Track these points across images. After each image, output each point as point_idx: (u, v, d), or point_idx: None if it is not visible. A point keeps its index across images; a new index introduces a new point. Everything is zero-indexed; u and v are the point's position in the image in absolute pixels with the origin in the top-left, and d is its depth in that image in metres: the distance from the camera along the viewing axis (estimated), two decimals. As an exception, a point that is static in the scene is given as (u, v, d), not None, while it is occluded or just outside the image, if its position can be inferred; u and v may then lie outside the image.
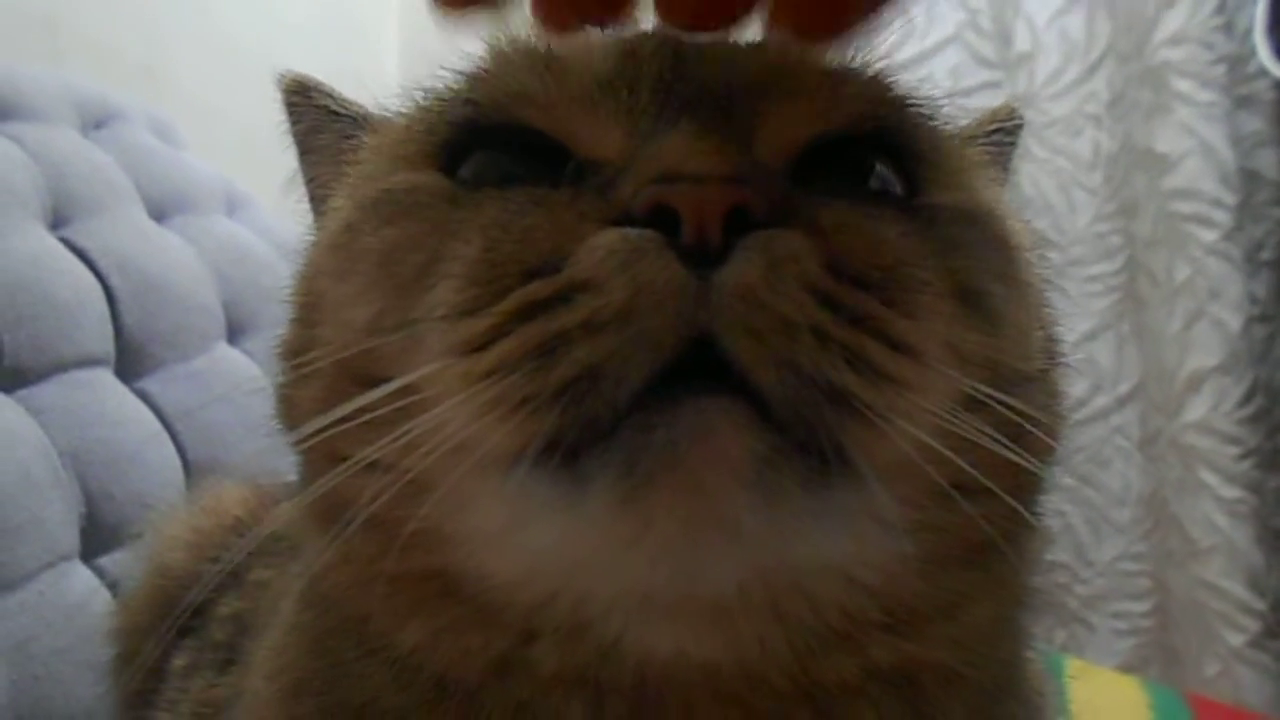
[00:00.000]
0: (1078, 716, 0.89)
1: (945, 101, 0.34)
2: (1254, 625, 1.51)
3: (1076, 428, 1.64)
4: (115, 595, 0.77)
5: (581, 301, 0.24)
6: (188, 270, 1.04)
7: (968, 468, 0.25)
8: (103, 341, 0.92)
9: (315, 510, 0.30)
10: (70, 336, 0.87)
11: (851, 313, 0.24)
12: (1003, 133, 0.41)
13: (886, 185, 0.29)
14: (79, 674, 0.74)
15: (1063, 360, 0.33)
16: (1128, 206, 1.67)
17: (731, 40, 0.28)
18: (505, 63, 0.30)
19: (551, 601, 0.27)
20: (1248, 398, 1.56)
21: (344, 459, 0.27)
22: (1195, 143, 1.56)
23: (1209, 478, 1.56)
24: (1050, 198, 1.70)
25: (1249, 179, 1.62)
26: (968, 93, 1.69)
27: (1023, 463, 0.26)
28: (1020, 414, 0.27)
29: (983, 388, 0.26)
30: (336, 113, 0.39)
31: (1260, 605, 1.52)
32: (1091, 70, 1.66)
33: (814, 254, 0.24)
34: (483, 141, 0.29)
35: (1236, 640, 1.52)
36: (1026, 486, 0.28)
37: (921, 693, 0.29)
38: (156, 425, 0.94)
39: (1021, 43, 1.66)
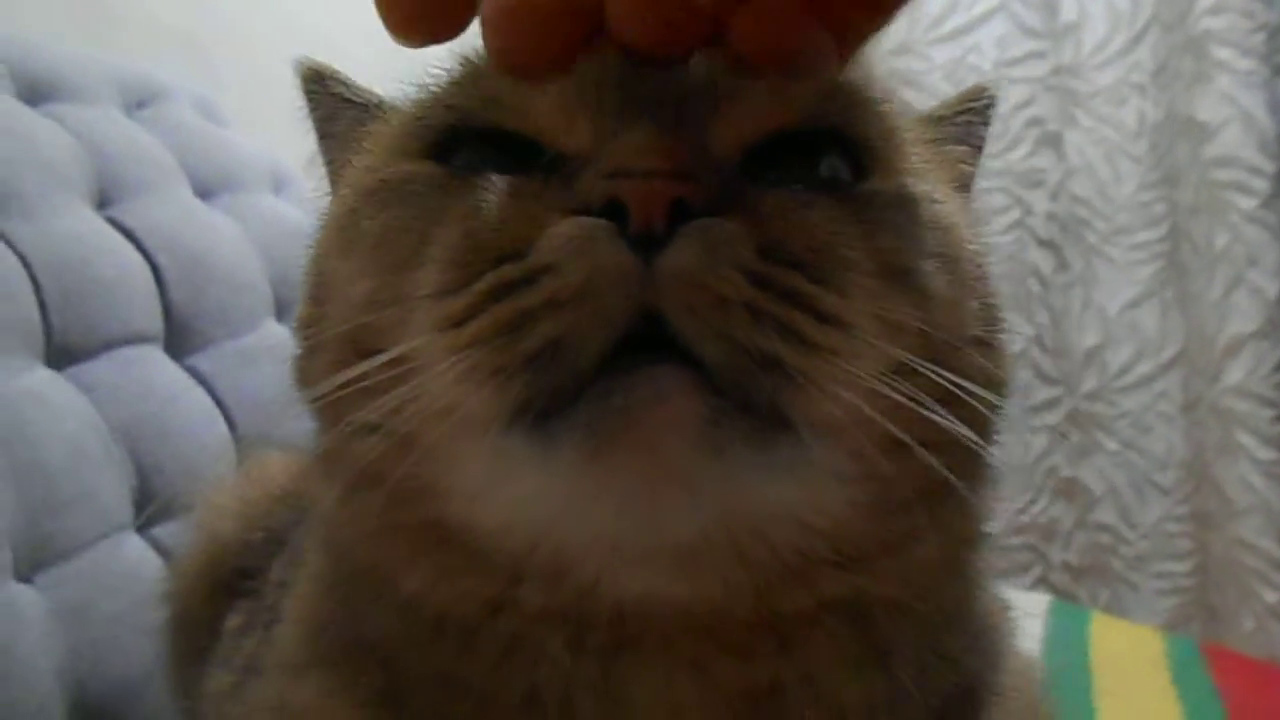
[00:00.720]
0: (1099, 666, 0.91)
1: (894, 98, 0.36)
2: (1288, 582, 1.53)
3: (1122, 394, 1.66)
4: (167, 564, 0.81)
5: (544, 283, 0.27)
6: (234, 248, 1.06)
7: (894, 429, 0.28)
8: (152, 319, 0.95)
9: (325, 467, 0.34)
10: (119, 315, 0.90)
11: (782, 290, 0.27)
12: (972, 113, 0.43)
13: (836, 172, 0.32)
14: (134, 638, 0.77)
15: (1002, 328, 0.35)
16: (1171, 175, 1.67)
17: None
18: (480, 67, 0.34)
19: (533, 549, 0.31)
20: (1284, 362, 1.56)
21: (348, 420, 0.31)
22: (1235, 111, 1.56)
23: (1246, 440, 1.57)
24: (1096, 167, 1.70)
25: (1287, 145, 1.61)
26: (1013, 62, 1.69)
27: (947, 422, 0.28)
28: (955, 378, 0.29)
29: (909, 356, 0.29)
30: (350, 100, 0.42)
31: (1294, 561, 1.53)
32: (1136, 40, 1.65)
33: (748, 239, 0.27)
34: (466, 141, 0.33)
35: (1272, 597, 1.54)
36: (966, 445, 0.30)
37: (872, 622, 0.33)
38: (207, 400, 0.97)
39: (1068, 13, 1.66)
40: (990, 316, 0.35)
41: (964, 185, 0.41)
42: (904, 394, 0.28)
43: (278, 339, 1.06)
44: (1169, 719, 0.82)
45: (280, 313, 1.09)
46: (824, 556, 0.31)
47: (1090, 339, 1.70)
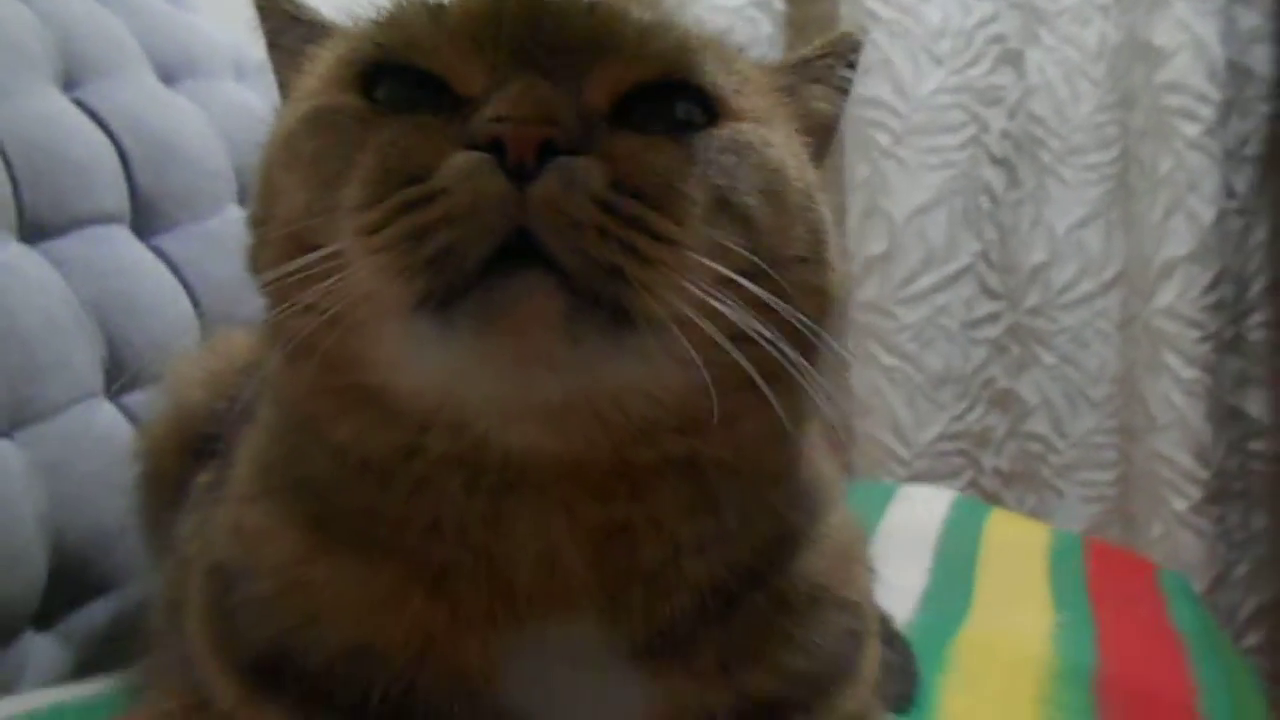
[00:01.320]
0: (986, 552, 1.00)
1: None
2: (1196, 493, 1.63)
3: (1063, 310, 1.73)
4: (138, 427, 0.88)
5: (440, 202, 0.34)
6: (198, 133, 1.10)
7: (720, 328, 0.35)
8: (118, 199, 0.99)
9: (272, 337, 0.41)
10: (87, 194, 0.94)
11: (627, 215, 0.35)
12: (834, 56, 0.49)
13: (690, 116, 0.39)
14: (109, 494, 0.85)
15: (830, 248, 0.42)
16: (1126, 98, 1.70)
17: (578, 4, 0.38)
18: (403, 12, 0.40)
19: (436, 408, 0.38)
20: (1213, 285, 1.63)
21: (291, 301, 0.38)
22: (1188, 37, 1.59)
23: (1172, 359, 1.64)
24: (1056, 86, 1.73)
25: (1240, 74, 1.65)
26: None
27: (758, 330, 0.36)
28: (773, 291, 0.37)
29: (733, 272, 0.36)
30: (297, 19, 0.48)
31: (1204, 474, 1.62)
32: (1101, -42, 1.67)
33: (601, 174, 0.35)
34: (389, 74, 0.40)
35: (1180, 505, 1.63)
36: (795, 341, 0.37)
37: (705, 477, 0.41)
38: (172, 280, 1.02)
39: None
40: (816, 239, 0.42)
41: (822, 123, 0.48)
42: (729, 300, 0.35)
43: (239, 223, 1.10)
44: (1037, 597, 0.91)
45: (243, 198, 1.14)
46: (666, 423, 0.39)
47: (1037, 256, 1.75)
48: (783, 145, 0.42)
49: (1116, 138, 1.71)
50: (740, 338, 0.36)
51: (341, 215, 0.36)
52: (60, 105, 0.96)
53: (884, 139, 1.72)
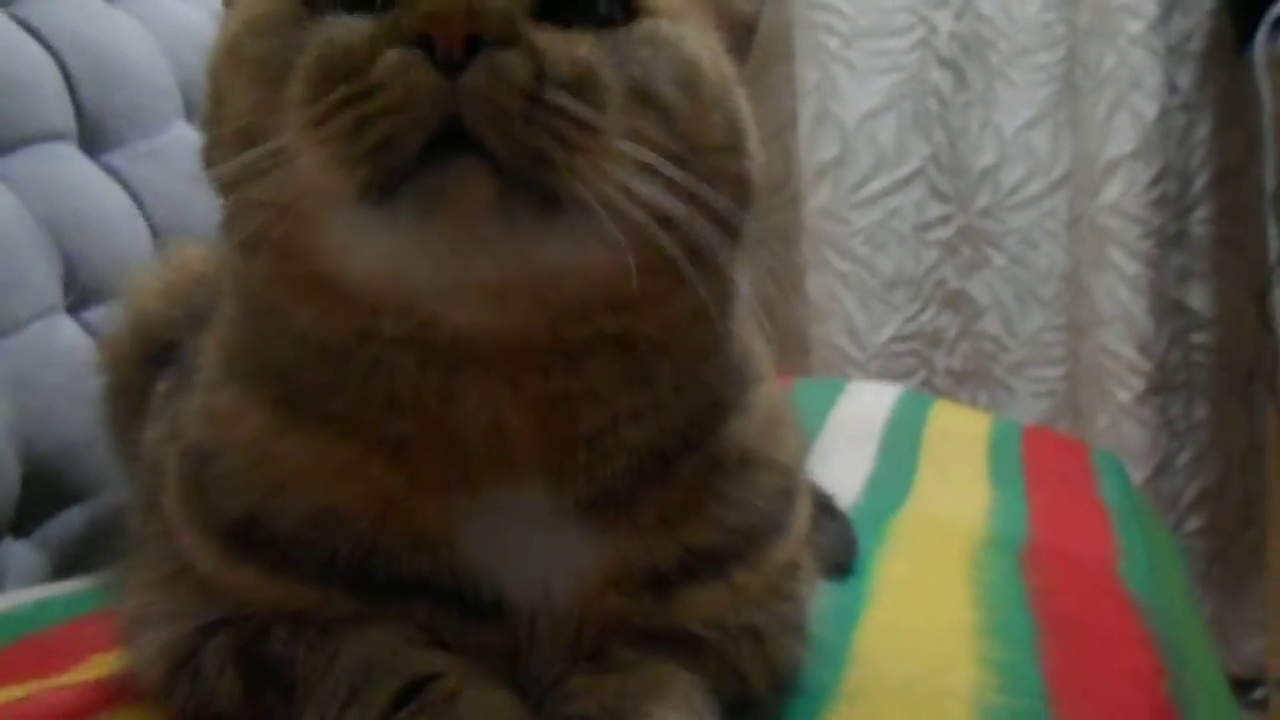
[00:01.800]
0: (929, 440, 1.05)
1: None
2: (1140, 384, 1.69)
3: (1012, 211, 1.77)
4: (100, 338, 0.89)
5: (377, 96, 0.36)
6: (140, 49, 1.09)
7: (640, 216, 0.38)
8: (64, 117, 0.99)
9: (228, 230, 0.43)
10: (32, 112, 0.94)
11: (551, 105, 0.37)
12: None
13: (611, 12, 0.41)
14: (73, 404, 0.87)
15: (747, 137, 0.45)
16: (1072, -5, 1.72)
17: None
18: None
19: (386, 292, 0.41)
20: (1156, 181, 1.67)
21: (243, 195, 0.40)
22: (1132, -64, 1.61)
23: (1116, 255, 1.68)
24: (1004, -17, 1.75)
25: (1182, -30, 1.67)
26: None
27: (676, 210, 0.38)
28: (693, 175, 0.39)
29: (653, 157, 0.38)
30: None
31: (1147, 366, 1.69)
32: None
33: (526, 65, 0.37)
34: None
35: (1124, 397, 1.70)
36: (716, 223, 0.40)
37: (638, 352, 0.44)
38: (124, 196, 1.03)
39: None
40: (734, 128, 0.44)
41: (742, 20, 0.50)
42: (651, 184, 0.38)
43: (187, 139, 1.11)
44: (975, 477, 0.96)
45: (189, 114, 1.14)
46: (597, 302, 0.41)
47: (986, 158, 1.77)
48: (697, 39, 0.44)
49: (1063, 37, 1.73)
50: (663, 221, 0.38)
51: (286, 112, 0.38)
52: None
53: (833, 43, 1.73)
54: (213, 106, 0.44)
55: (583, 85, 0.38)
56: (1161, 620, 0.66)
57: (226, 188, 0.42)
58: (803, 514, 0.51)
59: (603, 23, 0.41)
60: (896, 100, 1.75)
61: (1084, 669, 0.57)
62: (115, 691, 0.48)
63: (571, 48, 0.38)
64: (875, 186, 1.76)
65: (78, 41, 1.01)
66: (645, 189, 0.38)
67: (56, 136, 0.98)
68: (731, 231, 0.42)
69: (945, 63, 1.75)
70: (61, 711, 0.48)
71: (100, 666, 0.53)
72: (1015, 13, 1.74)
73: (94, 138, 1.02)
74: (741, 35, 0.49)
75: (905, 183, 1.77)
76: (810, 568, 0.52)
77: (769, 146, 1.84)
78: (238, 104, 0.41)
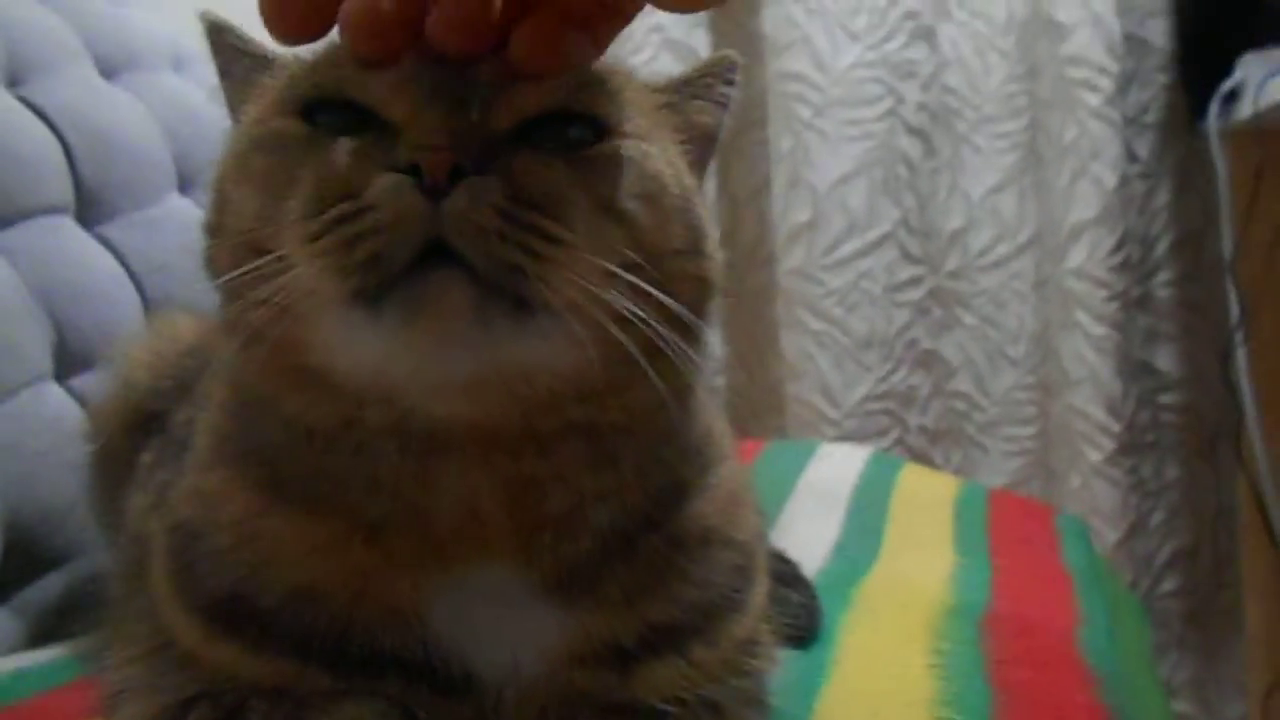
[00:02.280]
0: (896, 503, 1.08)
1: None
2: (1109, 444, 1.72)
3: (981, 273, 1.81)
4: (88, 406, 0.92)
5: (369, 216, 0.40)
6: (138, 125, 1.13)
7: (603, 319, 0.42)
8: (63, 191, 1.03)
9: (229, 328, 0.47)
10: (33, 187, 0.98)
11: (524, 222, 0.41)
12: (712, 76, 0.55)
13: (582, 136, 0.46)
14: (59, 472, 0.89)
15: (708, 242, 0.49)
16: (1033, 69, 1.78)
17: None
18: (338, 55, 0.46)
19: (370, 385, 0.44)
20: (1118, 247, 1.72)
21: (250, 302, 0.43)
22: (1087, 13, 1.68)
23: (1082, 317, 1.72)
24: (967, 60, 1.80)
25: (1138, 46, 1.74)
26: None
27: (638, 314, 0.42)
28: (652, 281, 0.43)
29: (616, 267, 0.42)
30: (245, 51, 0.54)
31: (1116, 427, 1.72)
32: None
33: (501, 189, 0.41)
34: (327, 103, 0.46)
35: (1095, 457, 1.72)
36: (675, 322, 0.44)
37: (604, 438, 0.47)
38: (116, 266, 1.06)
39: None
40: (694, 234, 0.48)
41: (704, 133, 0.54)
42: (614, 289, 0.42)
43: (180, 210, 1.14)
44: (940, 542, 0.99)
45: (183, 186, 1.17)
46: (565, 394, 0.45)
47: (954, 222, 1.82)
48: (660, 156, 0.48)
49: (1025, 107, 1.79)
50: (624, 321, 0.42)
51: (287, 225, 0.42)
52: (6, 103, 1.00)
53: (805, 112, 1.79)
54: (216, 214, 0.48)
55: (553, 204, 0.42)
56: (1116, 690, 0.69)
57: (229, 291, 0.46)
58: (761, 591, 0.54)
59: (574, 146, 0.45)
60: (867, 166, 1.80)
61: (1036, 738, 0.59)
62: (96, 765, 0.50)
63: (544, 171, 0.43)
64: (847, 249, 1.81)
65: (79, 119, 1.05)
66: (608, 294, 0.42)
67: (54, 210, 1.02)
68: (688, 328, 0.45)
69: (914, 131, 1.80)
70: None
71: (78, 739, 0.54)
72: (979, 84, 1.80)
73: (90, 210, 1.06)
74: (703, 146, 0.53)
75: (876, 245, 1.81)
76: (769, 643, 0.55)
77: (744, 210, 1.93)
78: (242, 213, 0.46)
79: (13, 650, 0.85)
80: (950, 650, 0.71)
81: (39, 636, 0.88)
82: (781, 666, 0.57)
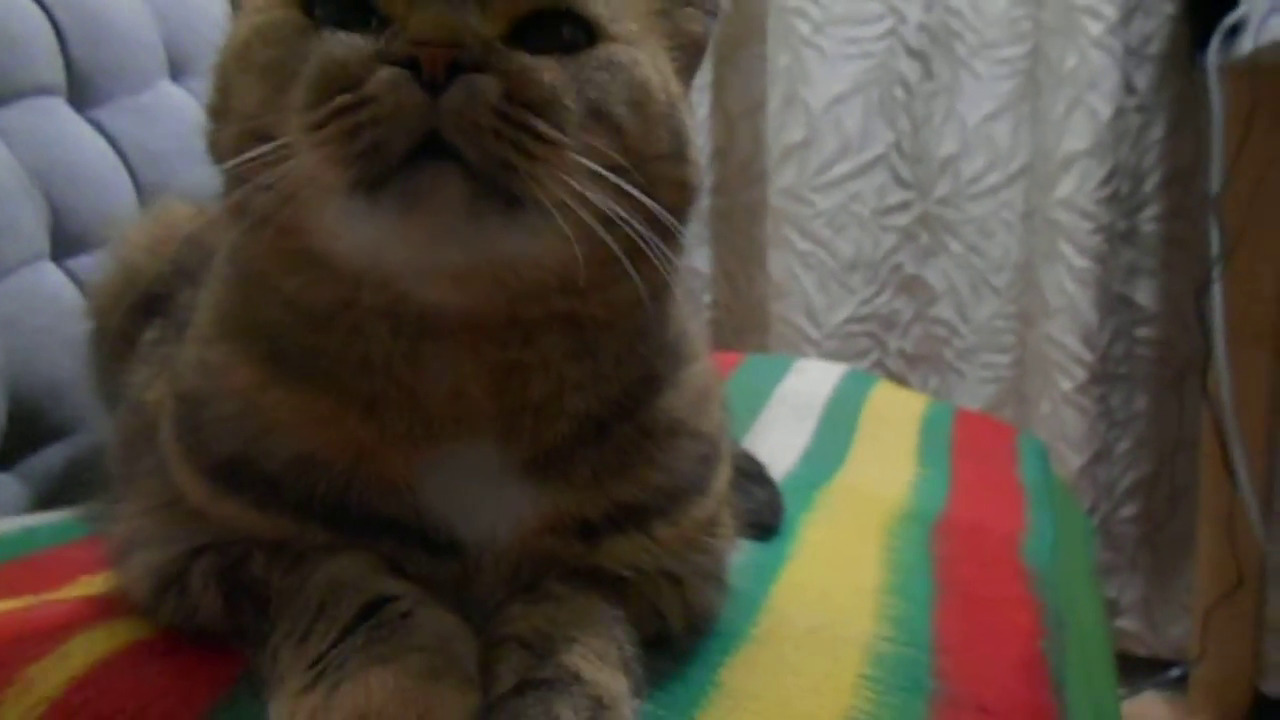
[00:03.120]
0: (865, 418, 1.12)
1: None
2: (1081, 374, 1.75)
3: (971, 201, 1.82)
4: (87, 286, 0.94)
5: (369, 108, 0.42)
6: (129, 8, 1.13)
7: (589, 218, 0.44)
8: (55, 72, 1.03)
9: (234, 212, 0.49)
10: (25, 66, 0.98)
11: (517, 121, 0.43)
12: None
13: (574, 38, 0.47)
14: (59, 348, 0.92)
15: (691, 147, 0.51)
16: (1040, -8, 1.76)
17: None
18: None
19: (367, 269, 0.47)
20: (1108, 179, 1.73)
21: (248, 182, 0.46)
22: (1096, -61, 1.66)
23: (1065, 249, 1.74)
24: (973, -21, 1.79)
25: (1144, -26, 1.72)
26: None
27: (621, 215, 0.44)
28: (636, 182, 0.46)
29: (602, 167, 0.44)
30: None
31: (1089, 358, 1.75)
32: None
33: (497, 88, 0.43)
34: None
35: (1066, 385, 1.76)
36: (656, 223, 0.46)
37: (584, 329, 0.50)
38: (110, 151, 1.07)
39: None
40: (678, 140, 0.50)
41: (693, 40, 0.55)
42: (599, 190, 0.44)
43: (173, 97, 1.15)
44: (904, 454, 1.03)
45: (174, 73, 1.17)
46: (550, 286, 0.48)
47: (948, 147, 1.82)
48: (649, 63, 0.50)
49: (1028, 33, 1.77)
50: (608, 221, 0.45)
51: (289, 114, 0.44)
52: (-4, -20, 0.99)
53: (804, 28, 1.78)
54: (219, 98, 0.50)
55: (546, 105, 0.44)
56: (1050, 589, 0.74)
57: (234, 176, 0.48)
58: (722, 478, 0.58)
59: (567, 48, 0.47)
60: (864, 87, 1.79)
61: (970, 626, 0.64)
62: (107, 606, 0.54)
63: (537, 72, 0.44)
64: (839, 170, 1.82)
65: (70, 0, 1.04)
66: (594, 194, 0.44)
67: (47, 91, 1.02)
68: (668, 230, 0.48)
69: (913, 52, 1.79)
70: (60, 621, 0.53)
71: (89, 586, 0.59)
72: (983, 7, 1.78)
73: (82, 93, 1.06)
74: (691, 54, 0.55)
75: (868, 168, 1.82)
76: (729, 525, 0.59)
77: (739, 127, 1.93)
78: (245, 100, 0.48)
79: (20, 513, 0.89)
80: (901, 548, 0.76)
81: (43, 501, 0.92)
82: (742, 553, 0.62)
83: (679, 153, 0.50)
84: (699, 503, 0.55)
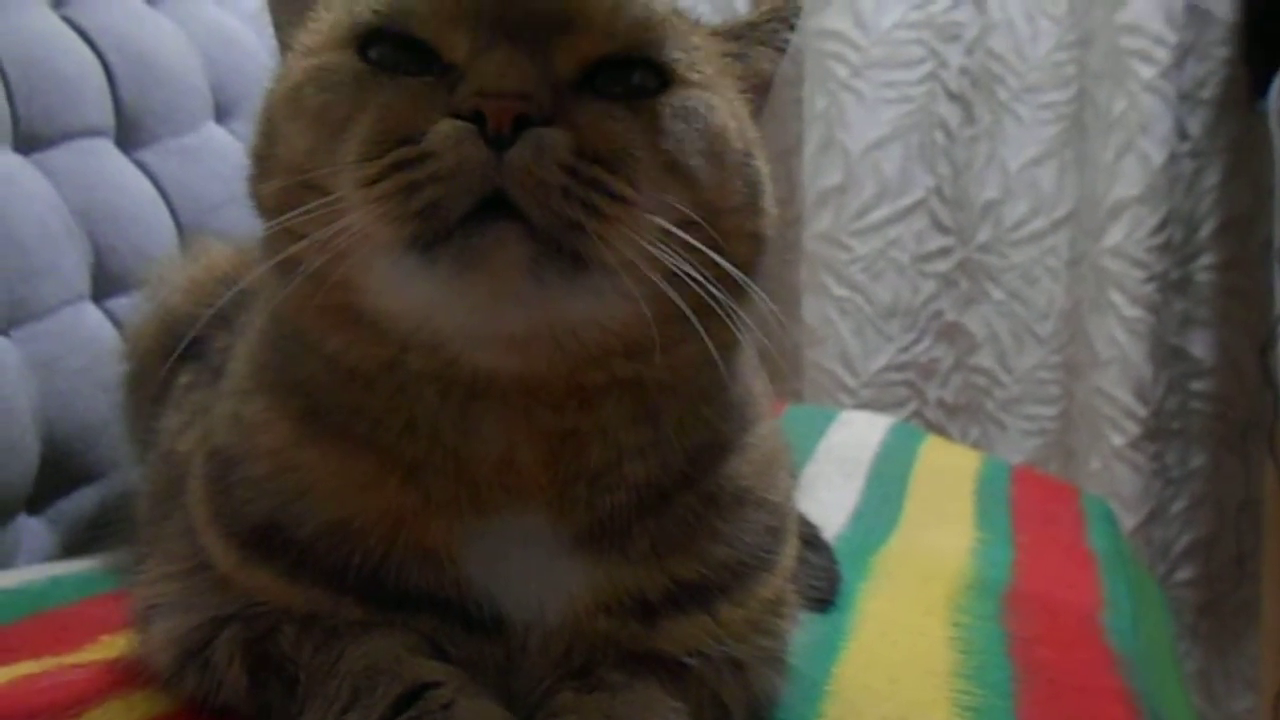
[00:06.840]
0: (918, 475, 1.07)
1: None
2: (1135, 429, 1.69)
3: (1013, 247, 1.78)
4: (124, 328, 0.93)
5: (429, 164, 0.40)
6: (178, 51, 1.13)
7: (657, 278, 0.41)
8: (104, 114, 1.03)
9: (274, 263, 0.46)
10: (75, 108, 0.98)
11: (587, 178, 0.40)
12: (778, 20, 0.54)
13: (645, 83, 0.45)
14: (95, 390, 0.91)
15: (766, 198, 0.48)
16: (1085, 38, 1.72)
17: None
18: None
19: (416, 331, 0.44)
20: (1161, 227, 1.68)
21: (296, 237, 0.43)
22: (1146, -22, 1.62)
23: (1116, 298, 1.68)
24: (1016, 23, 1.75)
25: (1199, 17, 1.68)
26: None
27: (691, 273, 0.42)
28: (712, 240, 0.43)
29: (673, 226, 0.42)
30: None
31: (1143, 412, 1.69)
32: (1061, -102, 1.68)
33: (567, 143, 0.40)
34: (383, 39, 0.45)
35: (1118, 441, 1.69)
36: (727, 279, 0.43)
37: (647, 394, 0.47)
38: (153, 191, 1.06)
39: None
40: (753, 191, 0.47)
41: (764, 80, 0.53)
42: (670, 248, 0.41)
43: (217, 139, 1.14)
44: (961, 516, 0.99)
45: (219, 115, 1.17)
46: (614, 349, 0.45)
47: (989, 193, 1.78)
48: (725, 108, 0.47)
49: (1074, 77, 1.74)
50: (677, 278, 0.42)
51: (342, 166, 0.42)
52: (51, 22, 1.00)
53: (843, 72, 1.75)
54: (264, 143, 0.47)
55: (618, 159, 0.41)
56: (1140, 674, 0.68)
57: (273, 216, 0.45)
58: (790, 552, 0.54)
59: (637, 92, 0.44)
60: (903, 131, 1.76)
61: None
62: (126, 675, 0.51)
63: (609, 124, 0.42)
64: (877, 215, 1.78)
65: (122, 42, 1.05)
66: (665, 253, 0.41)
67: (94, 132, 1.02)
68: (739, 285, 0.45)
69: (954, 96, 1.76)
70: (76, 692, 0.50)
71: (110, 648, 0.56)
72: (1026, 51, 1.75)
73: (129, 134, 1.06)
74: (761, 94, 0.53)
75: (907, 213, 1.78)
76: (793, 603, 0.55)
77: (774, 169, 1.87)
78: (293, 147, 0.45)
79: (48, 559, 0.87)
80: (970, 624, 0.71)
81: (72, 548, 0.90)
82: (801, 628, 0.58)
83: (753, 204, 0.47)
84: (766, 580, 0.52)
